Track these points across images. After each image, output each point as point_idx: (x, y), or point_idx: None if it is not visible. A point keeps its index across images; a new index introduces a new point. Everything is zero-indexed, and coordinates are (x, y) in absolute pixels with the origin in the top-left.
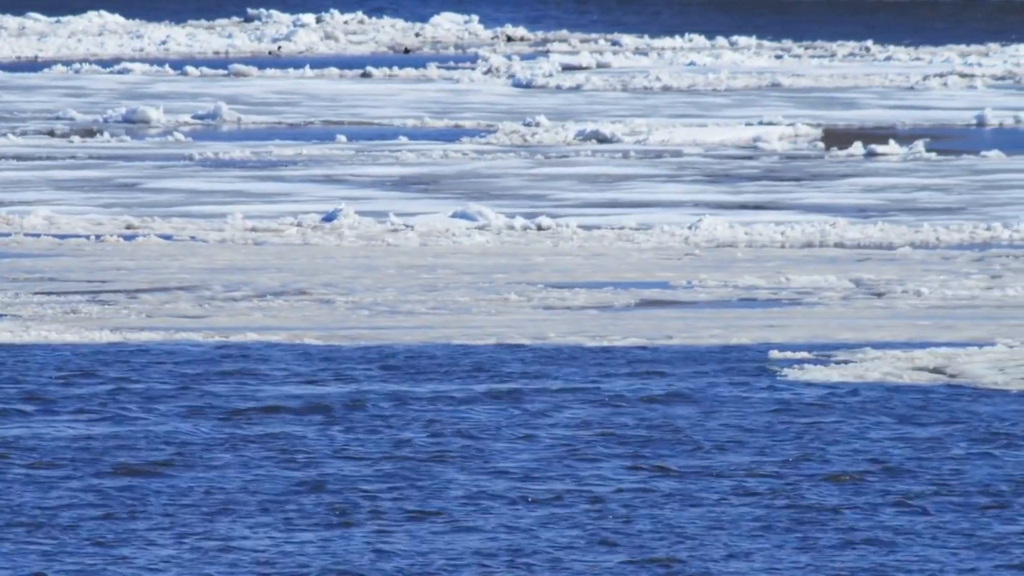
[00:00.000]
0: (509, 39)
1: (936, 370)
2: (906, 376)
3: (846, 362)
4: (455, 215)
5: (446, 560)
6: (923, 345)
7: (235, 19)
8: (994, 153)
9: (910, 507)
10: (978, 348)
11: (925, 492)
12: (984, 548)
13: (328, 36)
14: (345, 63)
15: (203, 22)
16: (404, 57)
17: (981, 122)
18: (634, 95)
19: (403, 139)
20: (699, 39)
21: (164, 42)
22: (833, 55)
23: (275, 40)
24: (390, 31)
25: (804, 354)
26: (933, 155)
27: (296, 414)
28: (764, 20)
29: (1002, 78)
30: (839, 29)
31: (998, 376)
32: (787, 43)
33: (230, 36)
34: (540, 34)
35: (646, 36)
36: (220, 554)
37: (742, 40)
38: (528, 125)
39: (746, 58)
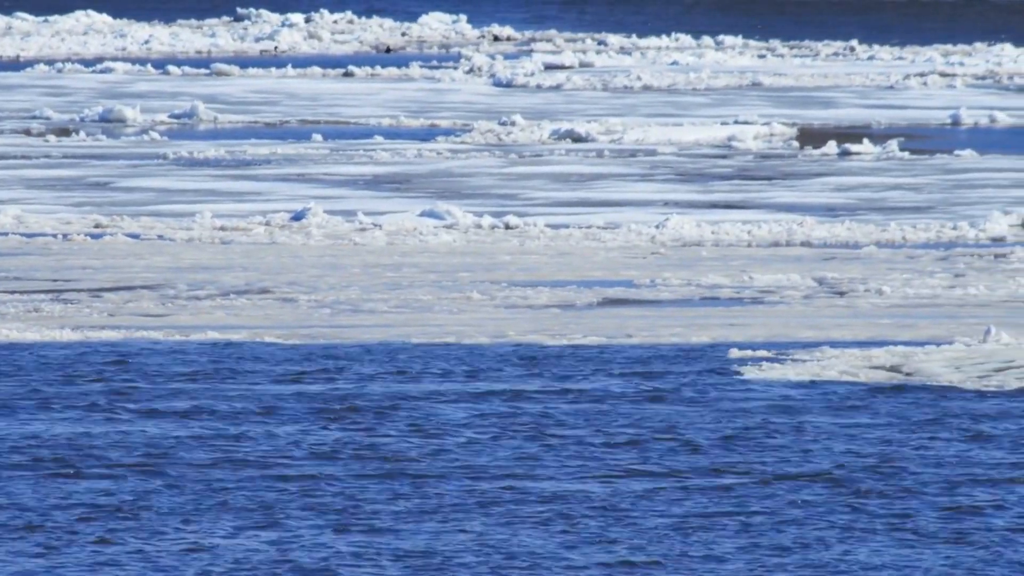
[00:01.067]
0: (496, 39)
1: (893, 368)
2: (862, 374)
3: (804, 360)
4: (423, 214)
5: (392, 559)
6: (881, 344)
7: (225, 18)
8: (967, 152)
9: (860, 504)
10: (936, 347)
11: (873, 489)
12: (934, 541)
13: (312, 36)
14: (328, 63)
15: (193, 21)
16: (387, 57)
17: (956, 121)
18: (614, 94)
19: (378, 138)
20: (686, 39)
21: (147, 41)
22: (817, 55)
23: (258, 40)
24: (378, 31)
25: (762, 352)
26: (906, 154)
27: (241, 412)
28: (762, 20)
29: (983, 78)
30: (836, 29)
31: (954, 374)
32: (774, 43)
33: (213, 35)
34: (528, 33)
35: (634, 36)
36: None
37: (728, 39)
38: (503, 124)
39: (729, 57)
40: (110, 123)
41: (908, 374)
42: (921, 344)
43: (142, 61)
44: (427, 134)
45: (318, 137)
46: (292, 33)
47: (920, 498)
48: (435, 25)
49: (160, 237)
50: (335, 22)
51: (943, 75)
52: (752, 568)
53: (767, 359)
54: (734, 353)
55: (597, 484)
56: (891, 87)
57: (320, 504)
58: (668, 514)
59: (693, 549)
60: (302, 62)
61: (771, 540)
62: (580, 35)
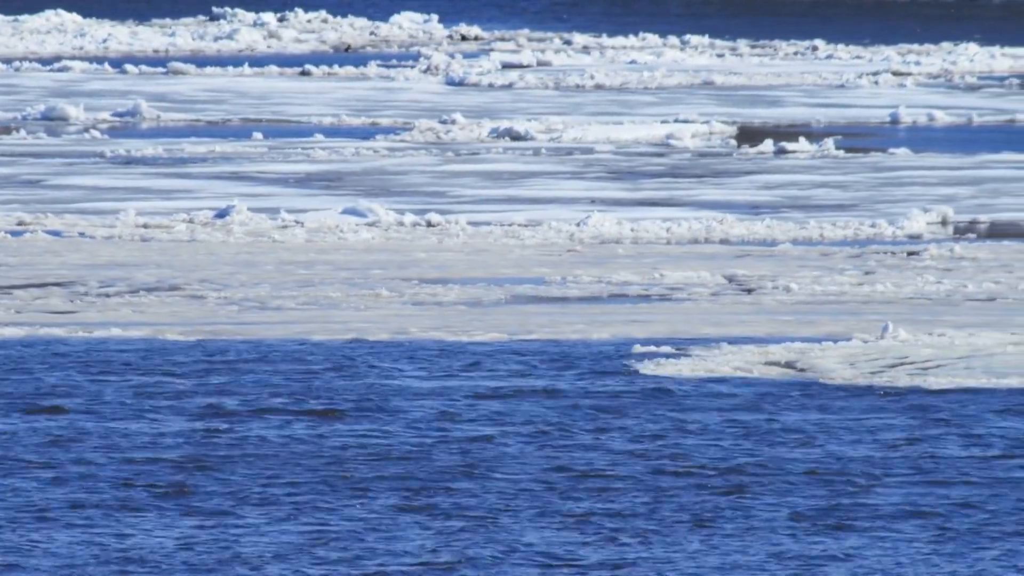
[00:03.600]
0: (463, 38)
1: (788, 364)
2: (756, 370)
3: (700, 357)
4: (345, 211)
5: (256, 550)
6: (780, 340)
7: (201, 18)
8: (902, 151)
9: (740, 497)
10: (833, 343)
11: (752, 480)
12: (806, 533)
13: (271, 35)
14: (287, 62)
15: (168, 20)
16: (345, 56)
17: (895, 120)
18: (564, 93)
19: (319, 137)
20: (653, 38)
21: (105, 40)
22: (776, 54)
23: (217, 39)
24: (348, 30)
25: (660, 348)
26: (841, 152)
27: (116, 407)
28: (745, 20)
29: (937, 77)
30: (817, 29)
31: (847, 371)
32: (741, 43)
33: (172, 35)
34: (499, 33)
35: (604, 35)
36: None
37: (695, 39)
38: (444, 123)
39: (687, 56)
40: (52, 121)
41: (802, 370)
42: (819, 340)
43: (100, 60)
44: (367, 132)
45: (258, 135)
46: (251, 32)
47: (782, 494)
48: (405, 24)
49: (81, 235)
50: (309, 21)
51: (896, 74)
52: (613, 559)
53: (663, 355)
54: (631, 349)
55: (468, 481)
56: (841, 86)
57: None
58: (552, 511)
59: (602, 542)
60: (260, 61)
61: (628, 533)
62: (550, 35)
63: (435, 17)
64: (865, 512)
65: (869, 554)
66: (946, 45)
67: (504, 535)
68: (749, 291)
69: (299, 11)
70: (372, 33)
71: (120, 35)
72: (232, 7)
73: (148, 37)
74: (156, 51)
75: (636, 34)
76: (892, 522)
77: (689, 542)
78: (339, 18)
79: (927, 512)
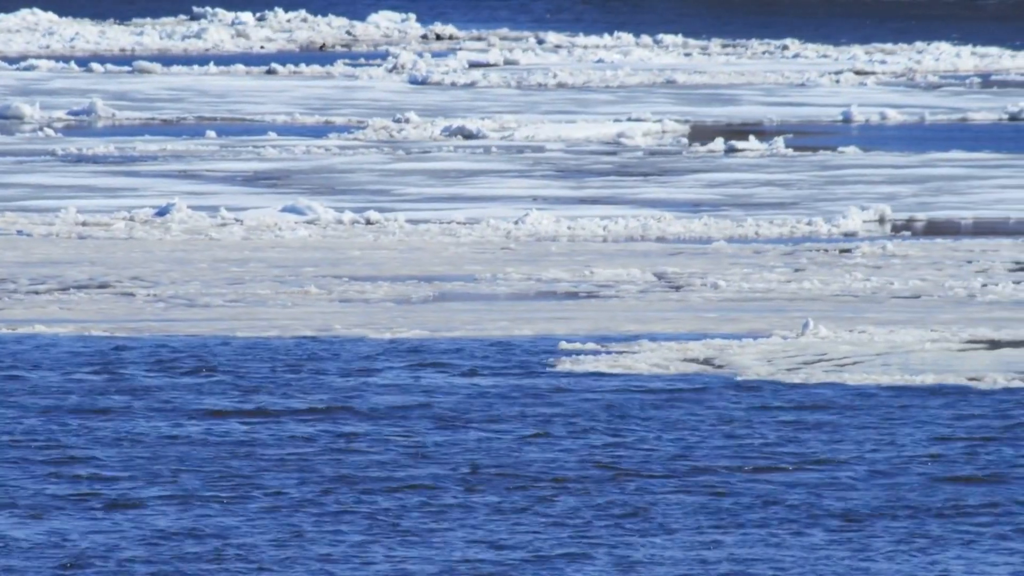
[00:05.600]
0: (438, 37)
1: (705, 361)
2: (672, 367)
3: (619, 354)
4: (284, 209)
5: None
6: (700, 337)
7: (182, 17)
8: (851, 149)
9: (645, 492)
10: (753, 340)
11: (656, 472)
12: (712, 525)
13: (239, 35)
14: (254, 61)
15: (148, 20)
16: (310, 55)
17: (847, 118)
18: (524, 92)
19: (272, 135)
20: (627, 37)
21: (72, 39)
22: (743, 52)
23: (185, 38)
24: (325, 29)
25: (579, 345)
26: (790, 151)
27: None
28: (737, 19)
29: (900, 76)
30: (796, 28)
31: (763, 367)
32: (715, 41)
33: (141, 34)
34: (475, 32)
35: (580, 35)
36: None
37: (668, 38)
38: (397, 121)
39: (654, 55)
40: (7, 120)
41: (719, 367)
42: (739, 337)
43: (67, 59)
44: (320, 131)
45: (212, 134)
46: (219, 31)
47: (700, 482)
48: (383, 24)
49: (20, 232)
50: (288, 20)
51: (859, 73)
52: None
53: (582, 352)
54: (550, 346)
55: (377, 476)
56: (802, 85)
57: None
58: (449, 507)
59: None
60: (227, 60)
61: (572, 525)
62: (526, 34)
63: (412, 16)
64: (733, 505)
65: (747, 549)
66: (919, 44)
67: (413, 538)
68: (677, 288)
69: (279, 10)
70: (348, 32)
71: (88, 34)
72: (213, 7)
73: (115, 36)
74: (123, 50)
75: (611, 33)
76: (764, 515)
77: (567, 536)
78: (318, 17)
79: (798, 505)
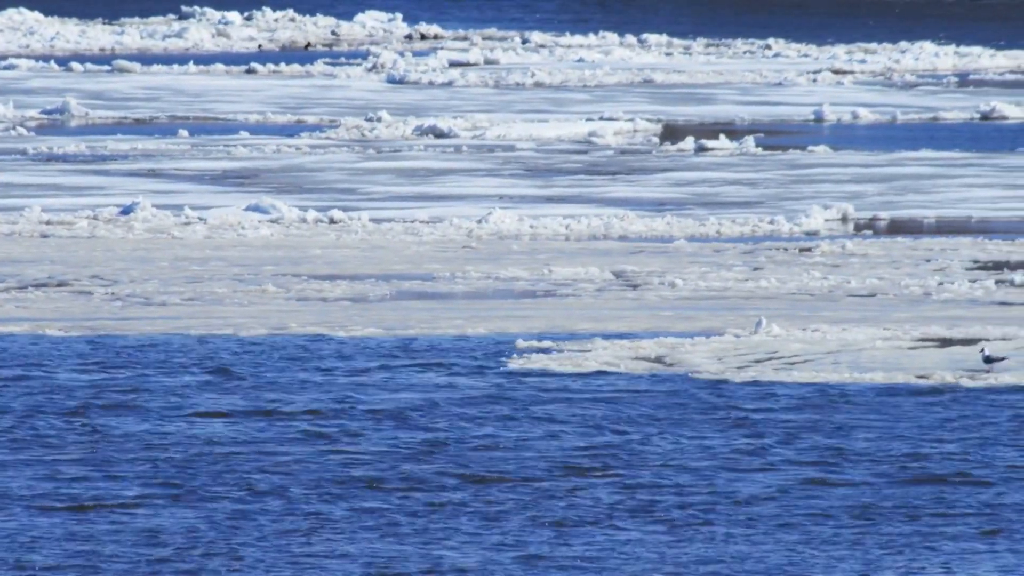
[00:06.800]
0: (423, 37)
1: (656, 359)
2: (622, 365)
3: (571, 352)
4: (248, 208)
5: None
6: (653, 335)
7: (171, 16)
8: (821, 148)
9: (585, 489)
10: (705, 338)
11: (601, 468)
12: (632, 517)
13: (220, 34)
14: (233, 60)
15: (136, 19)
16: (290, 54)
17: (819, 118)
18: (501, 91)
19: (244, 134)
20: (612, 36)
21: (53, 39)
22: (727, 51)
23: (166, 37)
24: (312, 28)
25: (533, 343)
26: (760, 150)
27: None
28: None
29: (880, 75)
30: (785, 28)
31: (713, 365)
32: (700, 40)
33: (121, 33)
34: (462, 32)
35: (567, 34)
36: None
37: (653, 38)
38: (369, 120)
39: (635, 55)
40: None
41: (670, 365)
42: (692, 335)
43: (47, 58)
44: (293, 130)
45: (184, 133)
46: (200, 31)
47: (632, 477)
48: (369, 23)
49: None
50: (276, 20)
51: (837, 72)
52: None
53: (534, 350)
54: (505, 344)
55: (325, 472)
56: (779, 84)
57: None
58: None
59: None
60: (208, 59)
61: (509, 521)
62: (512, 33)
63: (399, 16)
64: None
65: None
66: (904, 44)
67: (328, 535)
68: (635, 287)
69: (267, 10)
70: (333, 32)
71: (68, 34)
72: (202, 6)
73: (95, 36)
74: (102, 49)
75: (597, 33)
76: (700, 512)
77: (505, 533)
78: (306, 16)
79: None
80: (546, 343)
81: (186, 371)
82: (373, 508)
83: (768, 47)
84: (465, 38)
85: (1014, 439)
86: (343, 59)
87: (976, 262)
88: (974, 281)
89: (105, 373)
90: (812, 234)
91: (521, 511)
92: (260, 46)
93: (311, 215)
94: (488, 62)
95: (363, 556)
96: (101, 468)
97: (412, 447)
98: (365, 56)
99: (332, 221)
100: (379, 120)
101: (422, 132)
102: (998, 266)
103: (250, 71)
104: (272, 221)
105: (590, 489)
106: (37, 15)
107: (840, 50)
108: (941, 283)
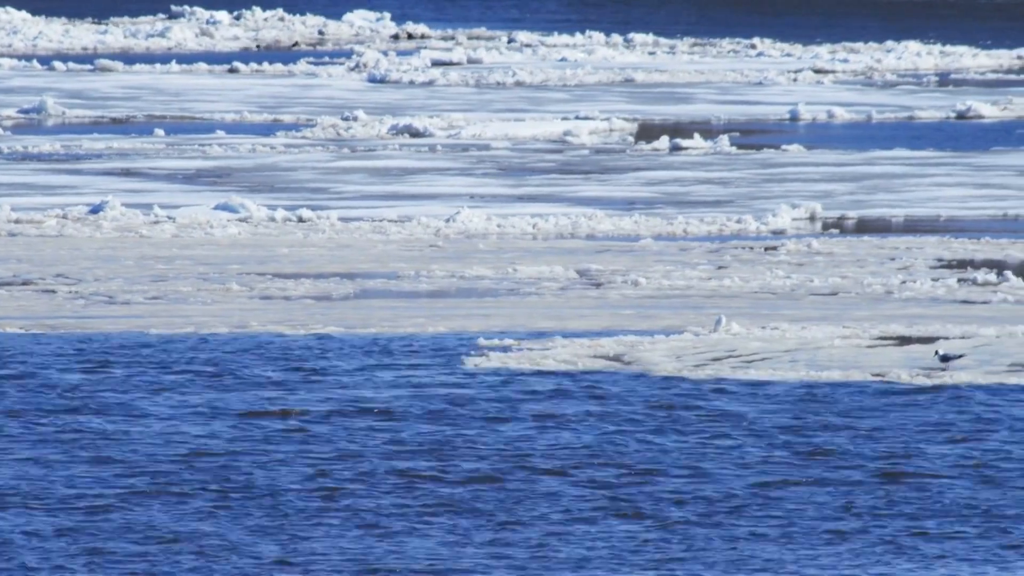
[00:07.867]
0: (410, 36)
1: (615, 358)
2: (580, 363)
3: (530, 350)
4: (217, 207)
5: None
6: (613, 333)
7: (161, 16)
8: (795, 147)
9: (544, 487)
10: (665, 336)
11: (554, 468)
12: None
13: (203, 33)
14: (216, 59)
15: (125, 18)
16: (273, 53)
17: (794, 117)
18: (480, 91)
19: (220, 133)
20: (598, 36)
21: (36, 38)
22: (711, 51)
23: (149, 36)
24: (300, 27)
25: (494, 342)
26: (734, 149)
27: None
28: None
29: (860, 74)
30: (776, 27)
31: (670, 364)
32: (687, 40)
33: (105, 32)
34: (450, 31)
35: (555, 33)
36: None
37: (639, 37)
38: (346, 119)
39: (617, 54)
40: None
41: (628, 363)
42: (651, 334)
43: (30, 58)
44: (268, 129)
45: (160, 132)
46: (183, 29)
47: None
48: (357, 23)
49: None
50: (266, 19)
51: (818, 72)
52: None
53: (495, 348)
54: (465, 342)
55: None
56: (759, 83)
57: None
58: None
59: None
60: (190, 58)
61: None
62: (499, 33)
63: (387, 15)
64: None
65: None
66: (889, 43)
67: (294, 533)
68: (598, 286)
69: (256, 9)
70: (320, 31)
71: (51, 33)
72: (192, 5)
73: (78, 35)
74: (85, 49)
75: (583, 32)
76: (672, 509)
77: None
78: (295, 16)
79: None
80: (507, 341)
81: (144, 370)
82: (328, 508)
83: (753, 46)
84: (451, 38)
85: (967, 436)
86: (327, 58)
87: (940, 260)
88: (937, 280)
89: (66, 371)
90: (779, 233)
91: (475, 511)
92: (259, 46)
93: (280, 214)
94: (471, 61)
95: (330, 553)
96: (53, 467)
97: (369, 445)
98: (349, 55)
99: (301, 220)
100: (355, 119)
101: (397, 131)
102: (962, 264)
103: (232, 70)
104: (241, 220)
105: (549, 487)
106: (24, 14)
107: (824, 49)
108: (904, 281)
